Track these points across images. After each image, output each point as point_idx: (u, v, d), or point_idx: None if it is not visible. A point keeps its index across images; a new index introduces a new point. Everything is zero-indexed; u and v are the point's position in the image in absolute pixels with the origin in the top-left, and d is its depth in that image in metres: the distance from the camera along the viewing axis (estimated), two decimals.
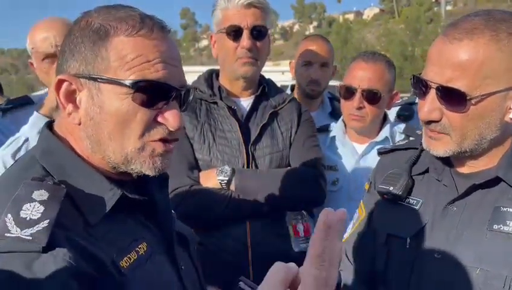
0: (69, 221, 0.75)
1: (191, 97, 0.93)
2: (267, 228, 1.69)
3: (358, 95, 1.87)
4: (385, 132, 2.00)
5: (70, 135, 0.87)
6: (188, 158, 1.66)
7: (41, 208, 0.71)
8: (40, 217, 0.70)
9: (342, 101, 1.97)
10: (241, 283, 1.07)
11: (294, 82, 2.69)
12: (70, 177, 0.82)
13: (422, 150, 1.23)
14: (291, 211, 1.76)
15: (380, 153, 1.43)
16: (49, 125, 0.91)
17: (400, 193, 1.20)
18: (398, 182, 1.21)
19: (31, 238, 0.67)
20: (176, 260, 0.95)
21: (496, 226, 1.02)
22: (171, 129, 0.86)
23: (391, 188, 1.22)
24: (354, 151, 2.02)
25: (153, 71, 0.82)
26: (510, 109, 1.01)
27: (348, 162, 2.01)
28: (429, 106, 1.04)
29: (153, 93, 0.83)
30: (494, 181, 1.06)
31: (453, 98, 1.00)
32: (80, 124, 0.84)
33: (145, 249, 0.85)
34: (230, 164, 1.65)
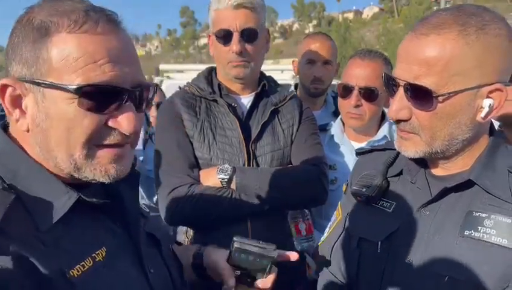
0: (16, 228, 0.70)
1: (151, 95, 0.87)
2: (268, 227, 1.67)
3: (355, 93, 1.87)
4: (383, 130, 2.00)
5: (23, 139, 0.82)
6: (188, 157, 1.65)
7: None
8: None
9: (340, 99, 1.97)
10: (235, 240, 1.05)
11: (293, 81, 2.69)
12: (23, 180, 0.77)
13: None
14: (292, 209, 1.75)
15: (358, 153, 1.41)
16: (4, 126, 0.84)
17: (373, 194, 1.17)
18: (372, 184, 1.18)
19: None
20: (144, 264, 0.90)
21: (467, 232, 0.98)
22: (126, 134, 0.80)
23: (364, 190, 1.19)
24: (352, 150, 2.01)
25: (99, 73, 0.75)
26: (481, 108, 0.96)
27: (347, 161, 2.01)
28: (397, 104, 1.01)
29: (102, 98, 0.76)
30: (467, 184, 1.02)
31: (420, 95, 0.97)
32: (28, 130, 0.79)
33: (103, 254, 0.81)
34: (230, 162, 1.64)
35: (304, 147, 1.77)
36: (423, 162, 1.13)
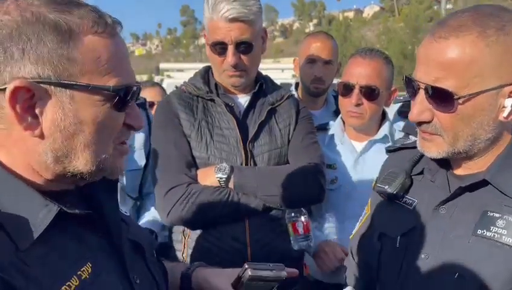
0: None
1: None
2: (266, 226, 1.67)
3: (356, 91, 1.86)
4: (384, 129, 1.98)
5: (1, 148, 0.75)
6: (186, 156, 1.65)
7: None
8: None
9: (340, 98, 1.95)
10: (248, 271, 1.02)
11: (294, 80, 2.68)
12: None
13: None
14: (290, 208, 1.75)
15: (388, 151, 1.42)
16: None
17: (395, 192, 1.19)
18: (394, 181, 1.20)
19: None
20: (129, 275, 0.86)
21: (479, 231, 0.99)
22: (138, 128, 0.85)
23: (386, 187, 1.21)
24: (352, 149, 2.01)
25: (126, 74, 0.79)
26: (504, 107, 0.96)
27: (347, 161, 2.00)
28: (419, 106, 1.02)
29: (126, 97, 0.79)
30: (483, 184, 1.02)
31: (441, 98, 0.98)
32: (41, 137, 0.73)
33: (89, 271, 0.76)
34: (228, 162, 1.64)
35: (301, 146, 1.76)
36: (445, 162, 1.14)
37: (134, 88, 0.81)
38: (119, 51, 0.78)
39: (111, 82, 0.75)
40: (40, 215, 0.71)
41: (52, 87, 0.71)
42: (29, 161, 0.75)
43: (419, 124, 1.05)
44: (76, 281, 0.72)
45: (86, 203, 0.84)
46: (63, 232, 0.76)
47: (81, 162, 0.76)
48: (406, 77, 1.08)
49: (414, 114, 1.03)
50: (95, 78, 0.74)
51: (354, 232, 1.44)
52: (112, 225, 0.87)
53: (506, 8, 0.99)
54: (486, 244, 0.97)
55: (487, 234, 0.97)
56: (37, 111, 0.72)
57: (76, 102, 0.73)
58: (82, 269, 0.75)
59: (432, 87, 0.98)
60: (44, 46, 0.70)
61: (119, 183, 0.94)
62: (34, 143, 0.73)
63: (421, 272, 1.07)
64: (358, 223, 1.44)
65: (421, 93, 1.01)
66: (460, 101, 0.95)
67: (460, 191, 1.05)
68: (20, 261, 0.67)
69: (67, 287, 0.70)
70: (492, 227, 0.97)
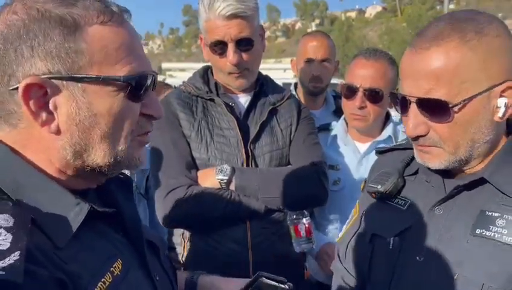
0: (39, 250, 0.65)
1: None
2: (267, 229, 1.65)
3: (360, 94, 1.83)
4: (388, 131, 1.97)
5: (25, 147, 0.74)
6: (186, 157, 1.62)
7: (9, 237, 0.61)
8: (10, 247, 0.60)
9: (344, 100, 1.93)
10: (262, 278, 1.01)
11: (296, 80, 2.69)
12: (28, 194, 0.71)
13: None
14: (292, 210, 1.74)
15: (378, 152, 1.40)
16: None
17: (387, 191, 1.18)
18: (387, 181, 1.19)
19: (3, 273, 0.57)
20: (150, 273, 0.87)
21: (478, 231, 0.98)
22: (157, 118, 0.83)
23: (378, 187, 1.19)
24: (356, 150, 1.99)
25: (139, 62, 0.77)
26: (497, 108, 0.96)
27: (350, 162, 1.98)
28: (413, 121, 1.00)
29: (141, 86, 0.77)
30: (481, 183, 1.01)
31: (435, 109, 0.97)
32: (58, 132, 0.73)
33: (120, 267, 0.76)
34: (229, 163, 1.61)
35: (303, 147, 1.74)
36: None
37: (149, 76, 0.78)
38: (129, 39, 0.76)
39: (122, 71, 0.74)
40: (72, 214, 0.72)
41: (64, 81, 0.71)
42: (50, 158, 0.75)
43: (416, 138, 1.04)
44: (109, 278, 0.73)
45: (104, 203, 0.84)
46: (91, 231, 0.76)
47: (99, 155, 0.76)
48: (391, 93, 1.08)
49: (410, 129, 1.02)
50: (105, 68, 0.73)
51: (340, 235, 1.42)
52: (132, 224, 0.88)
53: (480, 11, 0.99)
54: (486, 243, 0.96)
55: (486, 234, 0.96)
56: (51, 107, 0.71)
57: (88, 94, 0.72)
58: (114, 266, 0.75)
59: (424, 99, 0.97)
60: (51, 42, 0.70)
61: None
62: (52, 139, 0.73)
63: (416, 273, 1.06)
64: (345, 226, 1.42)
65: (413, 107, 1.00)
66: (455, 109, 0.95)
67: (458, 190, 1.04)
68: (59, 259, 0.67)
69: (102, 284, 0.71)
70: (492, 227, 0.96)
